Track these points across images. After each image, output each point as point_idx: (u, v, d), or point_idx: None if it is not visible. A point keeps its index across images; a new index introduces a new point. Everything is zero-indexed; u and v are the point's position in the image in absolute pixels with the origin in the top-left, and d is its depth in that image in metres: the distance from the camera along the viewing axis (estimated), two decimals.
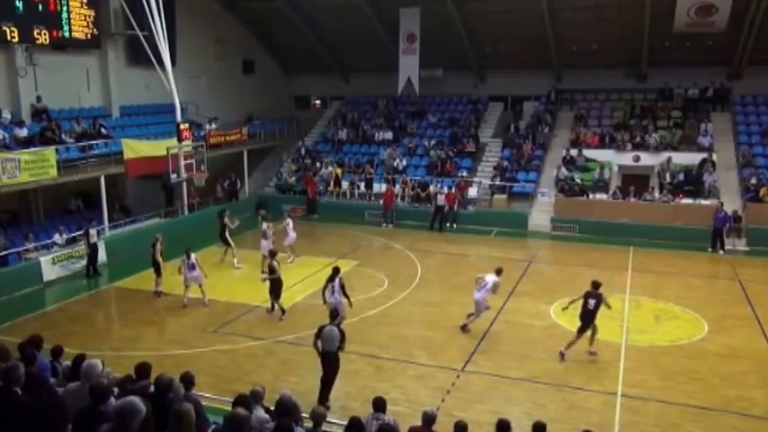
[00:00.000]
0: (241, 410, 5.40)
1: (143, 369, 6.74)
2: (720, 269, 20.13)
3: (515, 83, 30.69)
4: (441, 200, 24.37)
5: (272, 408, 7.02)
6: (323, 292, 13.72)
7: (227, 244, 19.63)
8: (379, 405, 7.49)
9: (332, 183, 27.80)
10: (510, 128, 29.16)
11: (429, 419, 7.23)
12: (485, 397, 11.09)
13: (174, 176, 22.37)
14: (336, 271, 13.69)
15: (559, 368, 12.21)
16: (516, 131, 28.84)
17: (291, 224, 19.75)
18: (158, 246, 16.79)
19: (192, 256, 15.93)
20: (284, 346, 13.29)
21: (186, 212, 24.50)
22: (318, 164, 29.14)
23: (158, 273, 16.75)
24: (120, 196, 24.75)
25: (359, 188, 27.47)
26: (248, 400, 6.46)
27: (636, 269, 19.27)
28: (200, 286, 15.92)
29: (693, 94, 28.03)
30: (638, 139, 26.38)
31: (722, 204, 22.00)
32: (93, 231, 18.52)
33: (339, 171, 28.02)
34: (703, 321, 14.77)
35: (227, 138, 27.20)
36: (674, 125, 26.96)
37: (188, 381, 6.81)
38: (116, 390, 6.10)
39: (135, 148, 21.66)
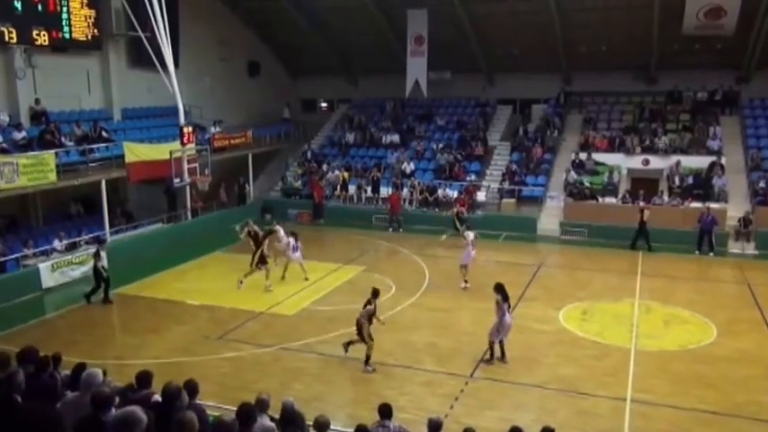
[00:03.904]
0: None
1: (144, 378, 6.58)
2: (729, 273, 20.03)
3: (524, 85, 30.58)
4: (645, 216, 21.97)
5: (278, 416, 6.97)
6: (503, 315, 12.65)
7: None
8: (385, 412, 7.43)
9: (338, 187, 27.76)
10: (519, 131, 29.10)
11: (435, 426, 7.18)
12: (494, 403, 11.05)
13: (177, 180, 21.94)
14: (504, 287, 12.65)
15: (569, 374, 12.16)
16: (525, 135, 28.77)
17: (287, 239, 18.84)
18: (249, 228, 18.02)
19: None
20: (290, 353, 13.22)
21: (190, 217, 24.34)
22: (325, 167, 29.12)
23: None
24: (121, 201, 24.44)
25: (366, 192, 27.42)
26: (253, 409, 6.29)
27: (645, 273, 19.17)
28: (301, 264, 17.82)
29: (702, 97, 27.94)
30: (647, 142, 26.31)
31: (708, 208, 21.99)
32: (105, 254, 16.68)
33: (346, 175, 27.97)
34: (712, 326, 14.70)
35: (232, 141, 26.96)
36: (684, 128, 26.87)
37: (192, 389, 6.62)
38: (117, 399, 5.92)
39: (137, 152, 21.32)
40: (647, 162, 25.82)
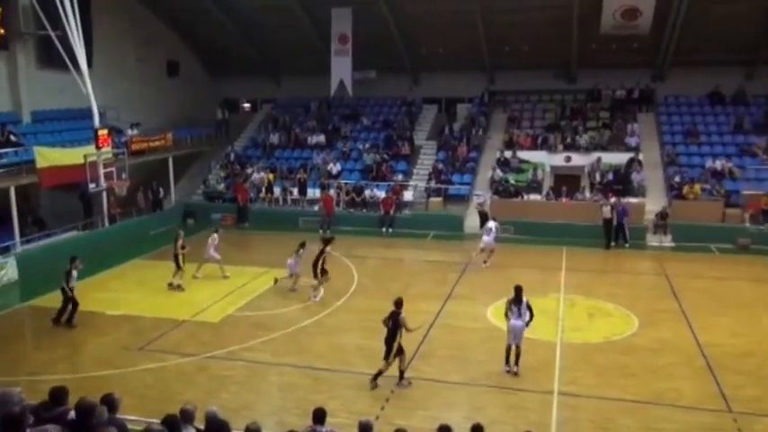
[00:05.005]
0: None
1: (59, 394, 6.12)
2: (648, 265, 20.77)
3: (449, 85, 30.92)
4: (607, 212, 22.26)
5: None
6: (506, 314, 12.11)
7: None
8: (319, 416, 7.23)
9: (263, 189, 27.17)
10: (444, 130, 29.29)
11: (365, 429, 7.05)
12: (425, 403, 10.92)
13: (92, 186, 21.29)
14: (520, 290, 11.96)
15: (498, 370, 12.14)
16: (451, 134, 28.99)
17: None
18: (180, 241, 17.23)
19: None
20: (216, 361, 12.72)
21: (107, 224, 23.32)
22: (249, 169, 28.45)
23: (178, 266, 17.17)
24: (33, 208, 23.30)
25: (291, 194, 26.95)
26: (177, 421, 6.10)
27: (569, 268, 19.58)
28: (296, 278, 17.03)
29: (620, 95, 28.95)
30: (568, 139, 26.98)
31: (619, 199, 22.83)
32: (75, 273, 14.97)
33: (271, 176, 27.39)
34: (634, 317, 15.10)
35: (151, 144, 26.12)
36: (603, 126, 27.75)
37: (110, 403, 6.28)
38: (31, 418, 5.56)
39: (49, 157, 20.42)
40: (569, 159, 26.48)
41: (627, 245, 22.23)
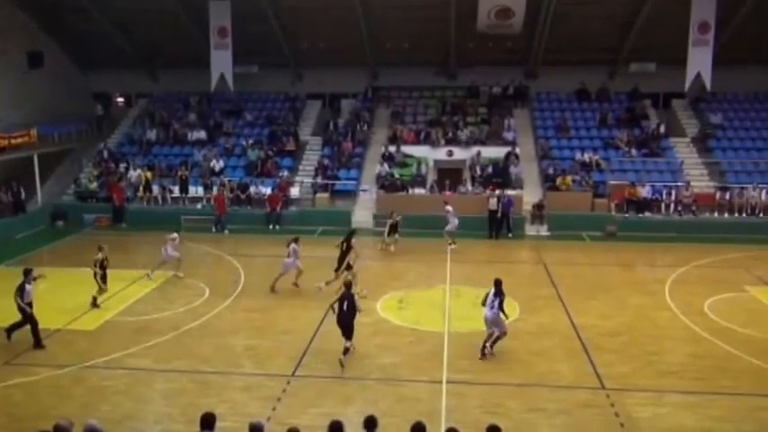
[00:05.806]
0: None
1: None
2: (527, 254, 21.84)
3: (333, 80, 30.91)
4: (493, 204, 23.25)
5: None
6: (483, 303, 12.46)
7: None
8: (208, 422, 7.00)
9: (141, 188, 25.91)
10: (329, 125, 29.24)
11: (256, 431, 6.89)
12: (318, 400, 10.82)
13: None
14: (499, 284, 12.46)
15: (388, 363, 12.30)
16: (335, 129, 29.00)
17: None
18: (100, 254, 15.55)
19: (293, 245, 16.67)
20: (94, 371, 11.95)
21: None
22: (123, 167, 27.01)
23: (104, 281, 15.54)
24: None
25: (171, 192, 25.90)
26: None
27: (454, 260, 20.16)
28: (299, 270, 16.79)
29: (497, 91, 30.19)
30: (450, 134, 27.77)
31: (503, 191, 23.96)
32: (30, 287, 13.20)
33: (149, 174, 26.14)
34: (516, 304, 15.64)
35: (12, 141, 24.31)
36: (482, 121, 28.85)
37: None
38: None
39: None
40: (451, 153, 27.29)
41: (510, 234, 23.26)
